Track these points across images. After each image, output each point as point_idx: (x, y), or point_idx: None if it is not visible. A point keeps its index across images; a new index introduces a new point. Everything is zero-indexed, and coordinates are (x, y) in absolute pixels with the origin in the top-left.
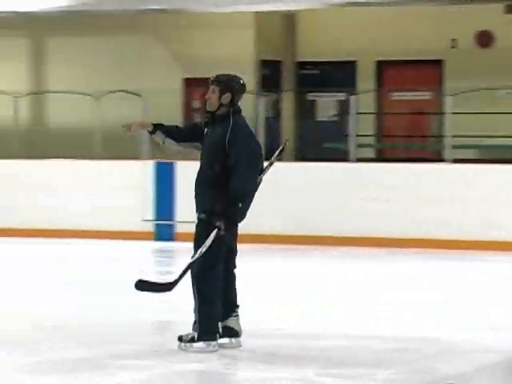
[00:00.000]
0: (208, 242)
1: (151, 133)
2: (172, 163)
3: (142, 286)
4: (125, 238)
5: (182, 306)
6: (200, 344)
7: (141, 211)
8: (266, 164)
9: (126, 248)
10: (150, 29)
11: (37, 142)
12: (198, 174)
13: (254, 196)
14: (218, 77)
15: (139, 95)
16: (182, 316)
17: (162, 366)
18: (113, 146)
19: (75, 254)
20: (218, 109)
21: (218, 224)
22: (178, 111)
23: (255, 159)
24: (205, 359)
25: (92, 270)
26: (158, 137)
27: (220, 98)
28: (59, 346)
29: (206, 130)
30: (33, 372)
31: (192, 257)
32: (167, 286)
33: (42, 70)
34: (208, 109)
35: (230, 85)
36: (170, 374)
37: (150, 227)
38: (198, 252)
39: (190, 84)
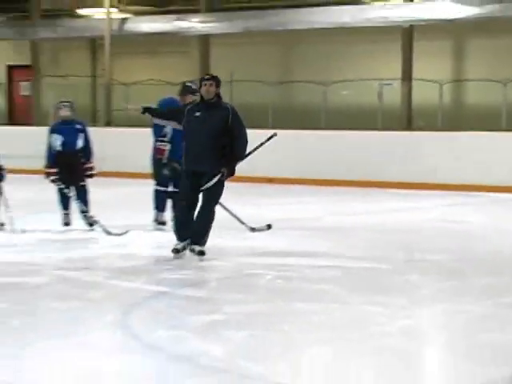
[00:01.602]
0: (211, 183)
1: (142, 113)
2: None
3: None
4: None
5: None
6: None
7: None
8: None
9: None
10: None
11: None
12: (201, 137)
13: None
14: (213, 76)
15: None
16: None
17: None
18: None
19: None
20: (213, 98)
21: (222, 170)
22: None
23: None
24: None
25: None
26: (148, 116)
27: (215, 90)
28: None
29: (197, 113)
30: None
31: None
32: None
33: (462, 64)
34: (206, 98)
35: (220, 81)
36: None
37: None
38: (205, 187)
39: None
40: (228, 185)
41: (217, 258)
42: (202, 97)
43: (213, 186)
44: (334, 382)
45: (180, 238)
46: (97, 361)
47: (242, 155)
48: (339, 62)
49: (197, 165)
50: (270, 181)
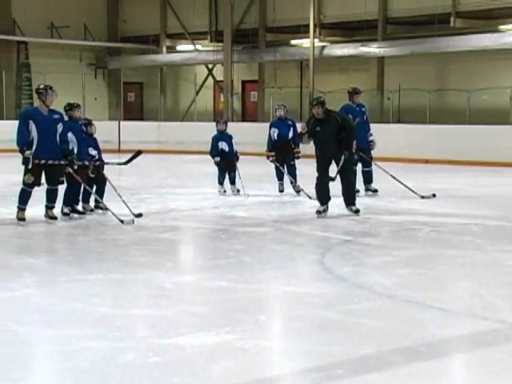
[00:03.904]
0: (341, 163)
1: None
2: None
3: None
4: None
5: None
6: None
7: None
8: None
9: None
10: None
11: None
12: (326, 144)
13: None
14: (319, 101)
15: None
16: None
17: None
18: None
19: None
20: (322, 116)
21: (345, 153)
22: None
23: None
24: None
25: None
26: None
27: (322, 110)
28: None
29: (317, 128)
30: None
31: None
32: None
33: None
34: (318, 117)
35: (324, 103)
36: None
37: None
38: (339, 168)
39: None
40: (399, 165)
41: (388, 215)
42: (313, 115)
43: (344, 163)
44: (476, 305)
45: (322, 203)
46: (300, 287)
47: (352, 140)
48: (480, 75)
49: (330, 160)
50: (427, 162)
